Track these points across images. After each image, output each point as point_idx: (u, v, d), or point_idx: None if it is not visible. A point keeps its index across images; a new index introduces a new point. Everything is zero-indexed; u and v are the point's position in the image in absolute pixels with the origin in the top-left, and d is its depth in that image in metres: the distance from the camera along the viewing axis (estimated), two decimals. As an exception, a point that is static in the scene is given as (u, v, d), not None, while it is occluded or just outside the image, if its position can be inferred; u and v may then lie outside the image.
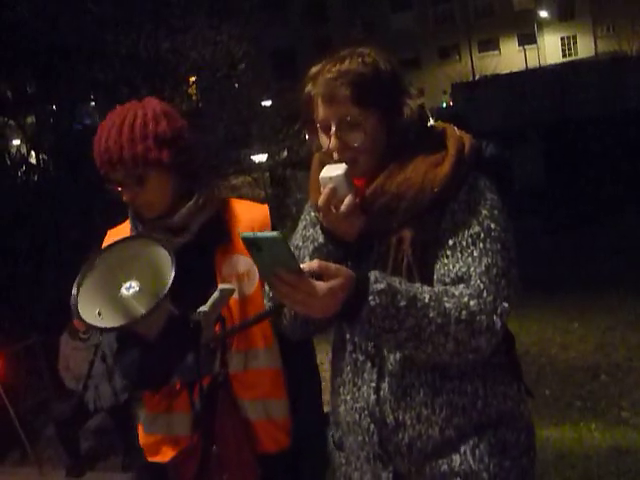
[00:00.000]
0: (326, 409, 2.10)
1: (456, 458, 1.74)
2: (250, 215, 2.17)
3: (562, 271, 10.07)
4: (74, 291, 1.86)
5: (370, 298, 1.54)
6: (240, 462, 2.06)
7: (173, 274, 1.81)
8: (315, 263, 1.54)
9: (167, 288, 1.80)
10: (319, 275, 1.53)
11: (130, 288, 1.89)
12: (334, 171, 1.70)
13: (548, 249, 11.58)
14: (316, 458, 2.13)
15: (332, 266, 1.55)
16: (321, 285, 1.52)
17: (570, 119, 17.12)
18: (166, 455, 2.13)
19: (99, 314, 1.85)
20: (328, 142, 1.75)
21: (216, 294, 1.95)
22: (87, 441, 6.41)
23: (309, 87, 1.77)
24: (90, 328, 1.81)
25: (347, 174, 1.69)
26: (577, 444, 4.83)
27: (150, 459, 2.18)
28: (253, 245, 1.48)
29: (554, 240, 12.31)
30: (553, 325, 8.00)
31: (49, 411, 6.54)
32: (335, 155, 1.74)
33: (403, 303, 1.56)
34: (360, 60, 1.72)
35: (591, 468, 4.39)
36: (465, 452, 1.73)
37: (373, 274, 1.57)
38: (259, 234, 1.49)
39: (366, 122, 1.72)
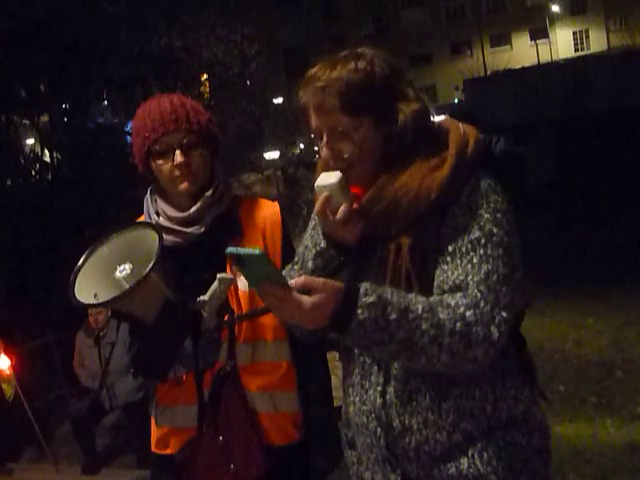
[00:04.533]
0: (337, 404, 2.10)
1: (464, 461, 1.71)
2: (261, 212, 2.21)
3: (576, 267, 10.04)
4: (71, 276, 1.97)
5: (359, 312, 1.52)
6: (247, 453, 2.07)
7: (157, 253, 1.90)
8: (301, 278, 1.54)
9: (150, 265, 1.88)
10: (307, 289, 1.53)
11: (123, 270, 2.00)
12: (328, 179, 1.69)
13: (562, 245, 11.54)
14: (326, 453, 2.13)
15: (318, 281, 1.54)
16: (307, 298, 1.51)
17: (583, 114, 17.05)
18: (175, 447, 2.16)
19: (95, 296, 1.95)
20: (321, 151, 1.74)
21: (215, 284, 2.00)
22: (102, 438, 6.46)
23: (301, 94, 1.75)
24: (84, 306, 1.96)
25: (342, 182, 1.68)
26: (592, 440, 4.81)
27: (161, 452, 2.21)
28: (237, 260, 1.52)
29: (568, 235, 12.27)
30: (567, 321, 7.97)
31: (65, 408, 6.59)
32: (330, 164, 1.73)
33: (394, 316, 1.53)
34: (352, 65, 1.68)
35: (606, 464, 4.38)
36: (473, 455, 1.70)
37: (364, 286, 1.55)
38: (241, 250, 1.51)
39: (356, 132, 1.68)
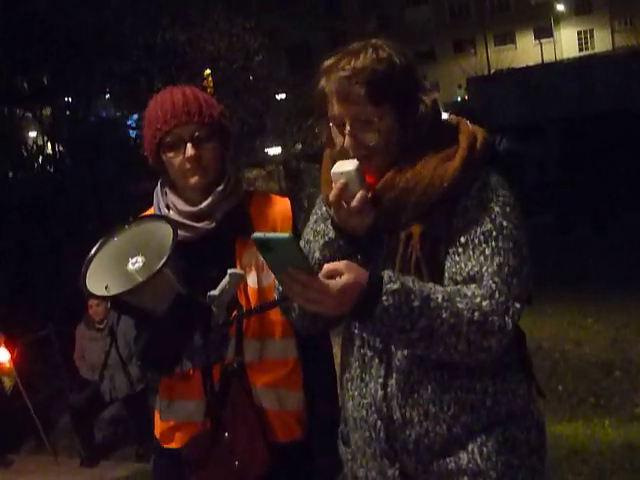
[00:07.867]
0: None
1: (464, 456, 1.72)
2: (272, 208, 2.20)
3: (576, 267, 10.03)
4: (83, 267, 1.95)
5: (384, 298, 1.54)
6: (252, 450, 2.07)
7: (171, 247, 1.88)
8: (325, 266, 1.56)
9: (164, 260, 1.87)
10: (331, 276, 1.54)
11: (135, 263, 1.98)
12: (346, 167, 1.70)
13: (562, 244, 11.53)
14: (330, 452, 2.13)
15: (340, 262, 1.57)
16: (334, 283, 1.52)
17: (587, 114, 17.01)
18: (180, 441, 2.15)
19: (106, 288, 1.93)
20: (342, 139, 1.74)
21: (226, 279, 2.00)
22: (101, 431, 6.48)
23: (322, 82, 1.75)
24: (95, 298, 1.91)
25: (358, 170, 1.69)
26: (590, 440, 4.82)
27: (166, 446, 2.21)
28: (264, 245, 1.51)
29: (569, 236, 12.27)
30: (567, 321, 7.97)
31: (65, 401, 6.61)
32: (350, 153, 1.73)
33: (417, 303, 1.56)
34: (374, 55, 1.70)
35: (604, 464, 4.38)
36: (473, 450, 1.71)
37: (387, 274, 1.57)
38: (270, 235, 1.51)
39: (381, 121, 1.71)
